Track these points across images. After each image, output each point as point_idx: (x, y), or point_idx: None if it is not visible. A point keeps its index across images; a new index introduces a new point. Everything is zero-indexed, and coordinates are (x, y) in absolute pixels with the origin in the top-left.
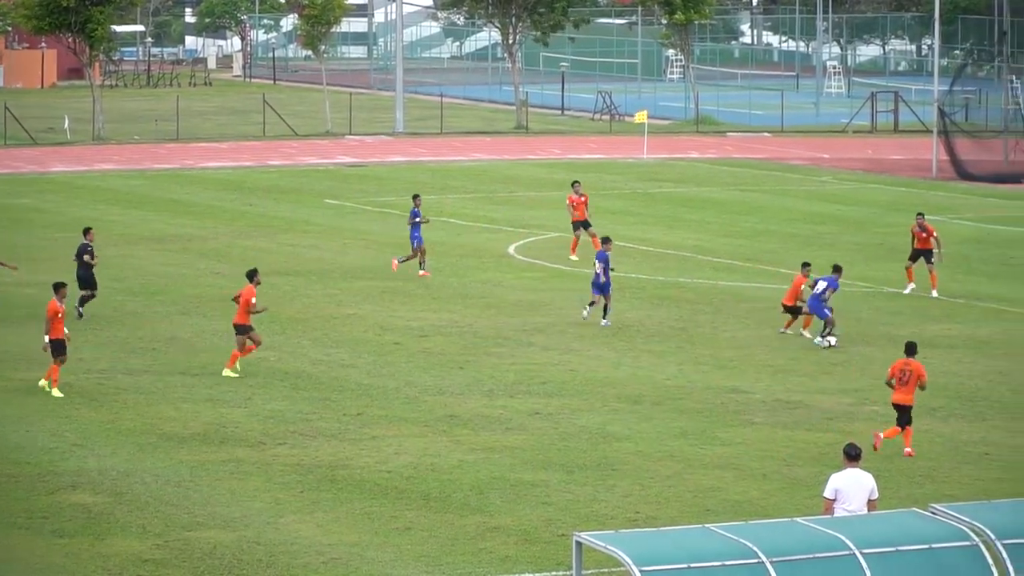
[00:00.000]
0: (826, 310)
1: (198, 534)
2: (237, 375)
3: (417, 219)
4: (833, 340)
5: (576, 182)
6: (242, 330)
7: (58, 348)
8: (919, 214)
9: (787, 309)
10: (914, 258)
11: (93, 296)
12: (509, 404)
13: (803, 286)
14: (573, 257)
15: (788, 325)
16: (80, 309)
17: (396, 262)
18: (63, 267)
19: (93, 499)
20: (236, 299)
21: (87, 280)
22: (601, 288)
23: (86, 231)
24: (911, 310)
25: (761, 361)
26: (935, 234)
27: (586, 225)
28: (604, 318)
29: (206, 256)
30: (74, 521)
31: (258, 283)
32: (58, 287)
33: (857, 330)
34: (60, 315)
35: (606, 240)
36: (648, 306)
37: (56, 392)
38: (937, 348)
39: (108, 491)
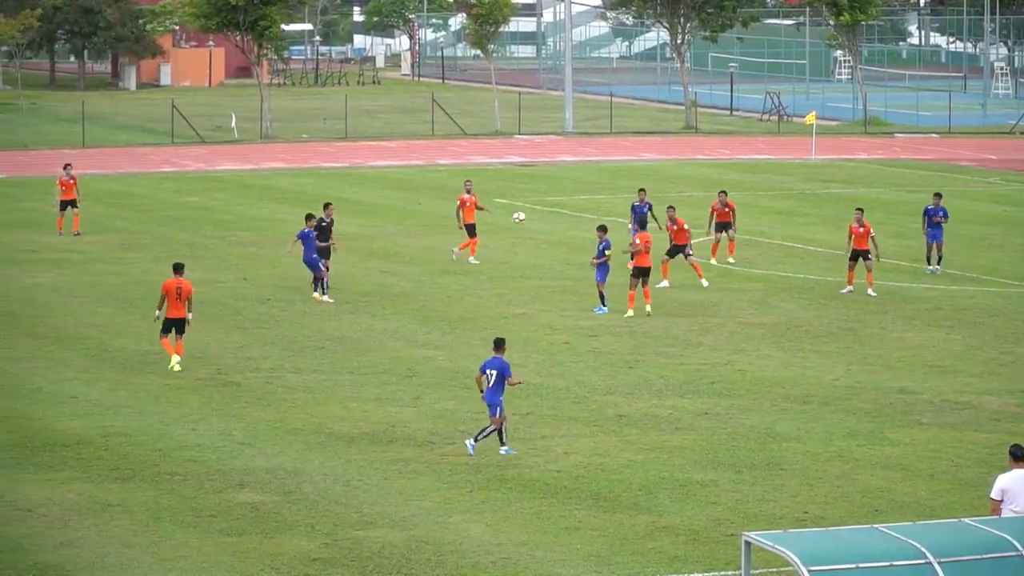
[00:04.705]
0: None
1: (367, 533)
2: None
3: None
4: None
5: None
6: (645, 272)
7: (166, 325)
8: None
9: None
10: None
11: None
12: (678, 404)
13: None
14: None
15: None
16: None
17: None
18: (228, 265)
19: (261, 498)
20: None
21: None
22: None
23: (325, 206)
24: None
25: (929, 361)
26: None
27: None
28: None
29: (374, 255)
30: (242, 520)
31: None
32: (177, 267)
33: None
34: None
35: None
36: (817, 307)
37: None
38: None
39: (276, 490)
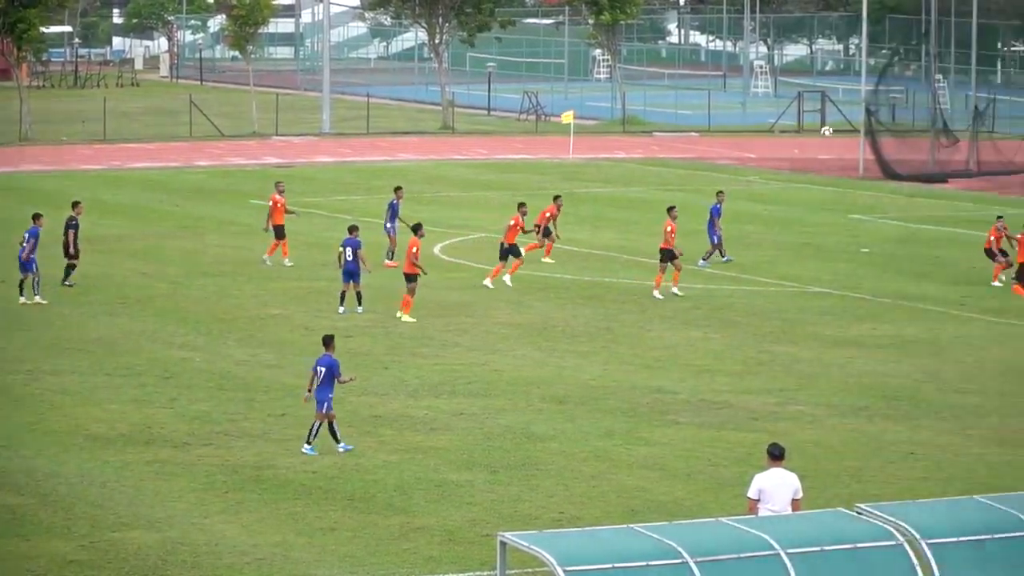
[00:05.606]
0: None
1: (123, 535)
2: (415, 320)
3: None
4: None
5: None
6: (411, 279)
7: None
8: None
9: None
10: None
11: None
12: (434, 404)
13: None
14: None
15: None
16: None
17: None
18: None
19: (17, 500)
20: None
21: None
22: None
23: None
24: (839, 309)
25: (686, 361)
26: None
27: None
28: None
29: (133, 256)
30: None
31: (422, 235)
32: None
33: (783, 330)
34: None
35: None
36: (573, 306)
37: None
38: (863, 347)
39: (32, 492)
